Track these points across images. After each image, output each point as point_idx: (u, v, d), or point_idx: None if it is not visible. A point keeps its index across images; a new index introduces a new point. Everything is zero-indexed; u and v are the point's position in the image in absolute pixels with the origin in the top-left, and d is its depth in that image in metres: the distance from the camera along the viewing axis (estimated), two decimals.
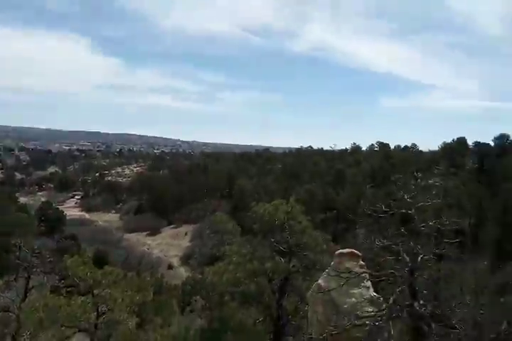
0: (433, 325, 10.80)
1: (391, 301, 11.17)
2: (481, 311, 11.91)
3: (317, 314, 12.41)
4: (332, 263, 14.23)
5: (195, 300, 22.67)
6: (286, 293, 18.16)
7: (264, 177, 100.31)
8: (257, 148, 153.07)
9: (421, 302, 11.81)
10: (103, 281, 15.71)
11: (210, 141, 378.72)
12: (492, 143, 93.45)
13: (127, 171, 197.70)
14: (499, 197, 61.73)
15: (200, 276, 23.32)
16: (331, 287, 12.28)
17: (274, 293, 18.10)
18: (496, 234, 58.31)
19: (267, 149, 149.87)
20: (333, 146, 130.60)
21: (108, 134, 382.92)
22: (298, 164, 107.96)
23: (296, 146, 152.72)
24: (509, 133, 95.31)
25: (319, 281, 13.55)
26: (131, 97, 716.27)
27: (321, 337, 11.08)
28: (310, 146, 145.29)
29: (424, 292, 12.50)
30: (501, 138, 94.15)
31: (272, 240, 20.22)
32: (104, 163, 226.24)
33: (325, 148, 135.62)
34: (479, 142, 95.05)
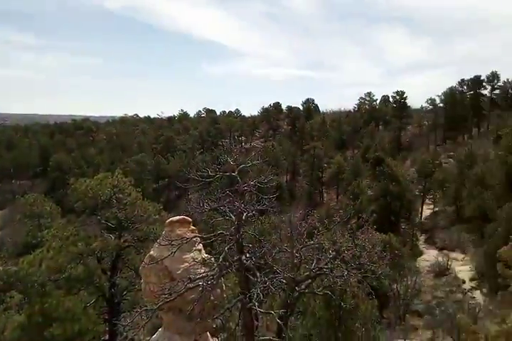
0: (258, 274, 11.88)
1: (221, 259, 11.75)
2: (297, 254, 13.53)
3: (150, 285, 12.22)
4: (163, 232, 14.09)
5: (11, 297, 19.74)
6: (118, 270, 17.40)
7: (86, 150, 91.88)
8: (74, 118, 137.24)
9: (247, 255, 12.83)
10: None
11: (11, 112, 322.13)
12: (301, 107, 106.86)
13: None
14: (308, 154, 71.39)
15: (14, 268, 20.24)
16: (163, 256, 12.15)
17: (105, 272, 17.11)
18: (307, 186, 67.96)
19: (86, 119, 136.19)
20: (160, 114, 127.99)
21: None
22: (124, 133, 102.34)
23: (121, 114, 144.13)
24: (313, 98, 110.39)
25: (151, 252, 13.29)
26: None
27: (156, 307, 10.99)
28: (136, 114, 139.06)
29: (250, 246, 13.63)
30: (307, 102, 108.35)
31: (98, 217, 18.88)
32: None
33: (152, 116, 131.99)
34: (291, 106, 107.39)
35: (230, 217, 12.74)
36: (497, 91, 77.14)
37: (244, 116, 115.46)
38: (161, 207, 20.66)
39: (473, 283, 33.76)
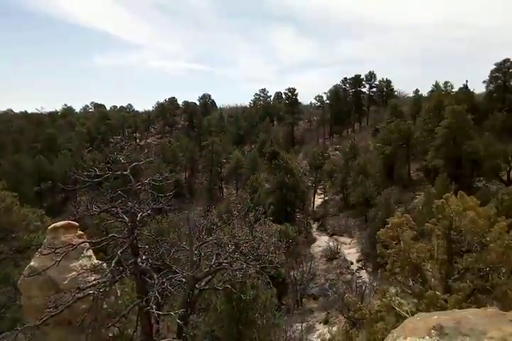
0: (155, 276, 11.45)
1: (113, 264, 11.04)
2: (196, 251, 13.35)
3: (33, 299, 10.99)
4: (45, 239, 12.79)
5: None
6: None
7: None
8: None
9: (143, 257, 12.27)
10: None
11: None
12: (198, 102, 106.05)
13: None
14: (206, 149, 71.21)
15: None
16: (46, 266, 11.00)
17: None
18: (207, 182, 67.85)
19: None
20: (40, 109, 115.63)
21: None
22: None
23: None
24: (210, 93, 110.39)
25: (32, 263, 11.97)
26: None
27: (40, 323, 9.92)
28: (10, 109, 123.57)
29: (147, 247, 13.07)
30: (204, 98, 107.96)
31: None
32: None
33: (30, 111, 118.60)
34: (187, 101, 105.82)
35: (123, 218, 12.06)
36: (374, 90, 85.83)
37: (137, 111, 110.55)
38: (44, 213, 18.71)
39: (359, 264, 37.33)
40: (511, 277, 11.58)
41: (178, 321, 11.10)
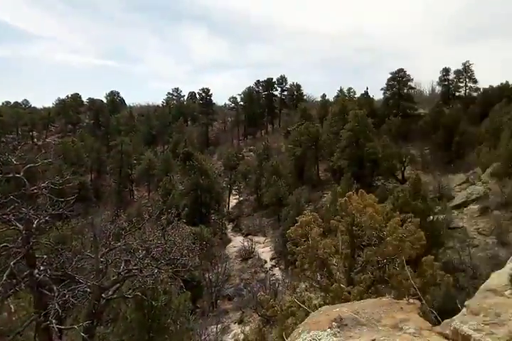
0: (55, 288, 10.53)
1: (5, 277, 9.92)
2: (102, 259, 12.57)
3: None
4: None
5: None
6: None
7: None
8: None
9: (41, 268, 11.21)
10: None
11: None
12: (105, 100, 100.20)
13: None
14: (115, 150, 67.60)
15: None
16: None
17: None
18: (115, 184, 64.41)
19: None
20: None
21: None
22: None
23: None
24: (118, 91, 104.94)
25: None
26: None
27: None
28: None
29: (45, 257, 11.97)
30: (112, 95, 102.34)
31: None
32: None
33: None
34: (93, 98, 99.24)
35: (17, 225, 10.92)
36: (285, 93, 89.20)
37: (35, 107, 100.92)
38: None
39: (273, 262, 38.45)
40: (405, 267, 12.80)
41: (83, 334, 10.34)
